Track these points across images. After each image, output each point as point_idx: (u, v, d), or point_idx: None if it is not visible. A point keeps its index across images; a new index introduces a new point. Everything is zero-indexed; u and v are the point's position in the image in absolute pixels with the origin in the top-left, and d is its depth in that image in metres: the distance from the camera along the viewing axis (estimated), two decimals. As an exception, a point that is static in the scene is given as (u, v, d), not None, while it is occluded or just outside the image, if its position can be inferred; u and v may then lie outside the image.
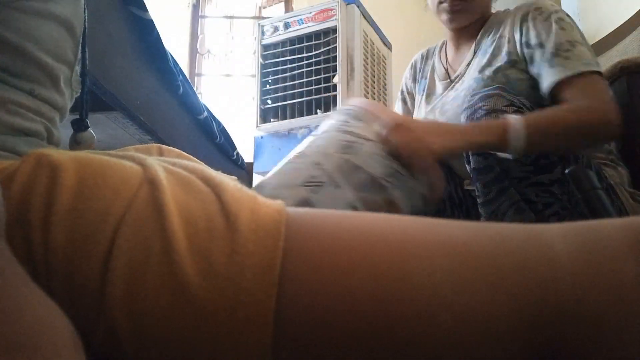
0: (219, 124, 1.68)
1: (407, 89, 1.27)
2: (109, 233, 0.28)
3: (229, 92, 3.20)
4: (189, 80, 1.34)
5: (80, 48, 0.50)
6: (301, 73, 1.80)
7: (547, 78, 0.95)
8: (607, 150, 0.98)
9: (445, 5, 1.08)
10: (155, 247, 0.28)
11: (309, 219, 0.32)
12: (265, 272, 0.28)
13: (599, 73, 0.94)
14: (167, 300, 0.28)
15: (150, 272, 0.28)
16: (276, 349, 0.28)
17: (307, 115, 1.78)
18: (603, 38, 1.75)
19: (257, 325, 0.28)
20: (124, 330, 0.28)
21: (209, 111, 1.57)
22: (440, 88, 1.15)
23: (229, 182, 0.33)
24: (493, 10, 1.14)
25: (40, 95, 0.43)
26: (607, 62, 1.63)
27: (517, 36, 1.02)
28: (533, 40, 0.99)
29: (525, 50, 0.99)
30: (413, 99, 1.25)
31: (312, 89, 1.78)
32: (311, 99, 1.77)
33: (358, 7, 1.82)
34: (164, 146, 0.57)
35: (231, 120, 2.73)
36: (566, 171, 0.85)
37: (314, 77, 1.78)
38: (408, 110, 1.26)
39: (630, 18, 1.60)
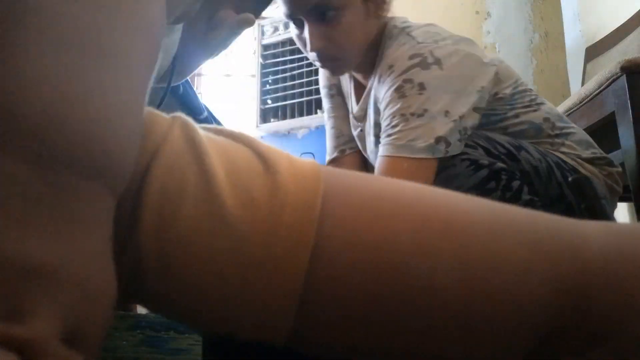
0: (219, 124, 1.68)
1: (335, 86, 1.15)
2: (143, 164, 0.28)
3: (229, 92, 3.20)
4: (189, 80, 1.34)
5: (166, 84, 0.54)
6: (301, 73, 1.80)
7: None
8: (547, 134, 0.94)
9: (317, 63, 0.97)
10: (192, 177, 0.28)
11: (343, 172, 0.33)
12: (306, 210, 0.28)
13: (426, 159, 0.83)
14: (204, 228, 0.27)
15: (187, 201, 0.28)
16: (306, 288, 0.28)
17: (307, 115, 1.78)
18: (603, 38, 1.75)
19: (293, 260, 0.28)
20: (151, 260, 0.27)
21: (209, 111, 1.56)
22: (353, 120, 1.11)
23: (258, 139, 0.33)
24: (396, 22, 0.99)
25: None
26: (607, 62, 1.63)
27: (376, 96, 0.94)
28: (381, 105, 0.91)
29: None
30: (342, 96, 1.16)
31: (312, 89, 1.78)
32: (311, 99, 1.77)
33: (358, 7, 1.82)
34: None
35: (231, 120, 2.73)
36: (569, 179, 0.85)
37: (313, 77, 1.78)
38: (339, 104, 1.16)
39: (630, 18, 1.60)
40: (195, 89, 1.38)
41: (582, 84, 1.81)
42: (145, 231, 0.27)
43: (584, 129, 1.28)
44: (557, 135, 0.94)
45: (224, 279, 0.28)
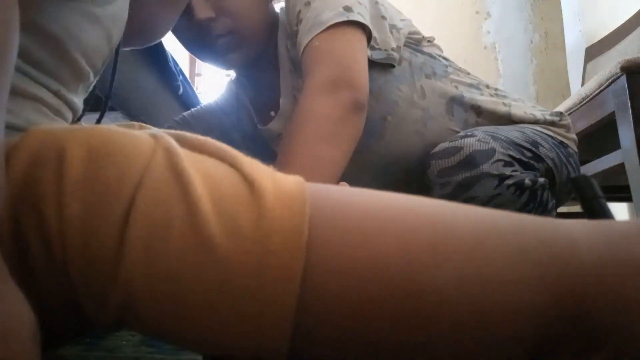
0: (219, 124, 1.67)
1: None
2: (127, 197, 0.28)
3: (229, 92, 3.20)
4: (189, 80, 1.34)
5: (113, 59, 0.51)
6: (301, 73, 1.79)
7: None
8: (489, 93, 0.89)
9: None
10: (177, 209, 0.28)
11: (329, 190, 0.33)
12: (293, 236, 0.28)
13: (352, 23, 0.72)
14: (192, 262, 0.27)
15: (174, 234, 0.27)
16: (300, 313, 0.28)
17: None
18: (603, 38, 1.75)
19: (283, 288, 0.28)
20: (140, 294, 0.27)
21: (209, 111, 1.56)
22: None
23: (242, 155, 0.33)
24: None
25: (64, 96, 0.44)
26: (607, 62, 1.63)
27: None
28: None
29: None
30: None
31: (312, 89, 1.77)
32: (311, 99, 1.77)
33: (358, 7, 1.81)
34: (146, 125, 0.57)
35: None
36: (570, 177, 0.85)
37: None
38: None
39: (630, 18, 1.60)
40: (195, 89, 1.38)
41: (582, 84, 1.81)
42: (133, 266, 0.27)
43: (584, 129, 1.28)
44: (497, 95, 0.89)
45: (216, 310, 0.28)
